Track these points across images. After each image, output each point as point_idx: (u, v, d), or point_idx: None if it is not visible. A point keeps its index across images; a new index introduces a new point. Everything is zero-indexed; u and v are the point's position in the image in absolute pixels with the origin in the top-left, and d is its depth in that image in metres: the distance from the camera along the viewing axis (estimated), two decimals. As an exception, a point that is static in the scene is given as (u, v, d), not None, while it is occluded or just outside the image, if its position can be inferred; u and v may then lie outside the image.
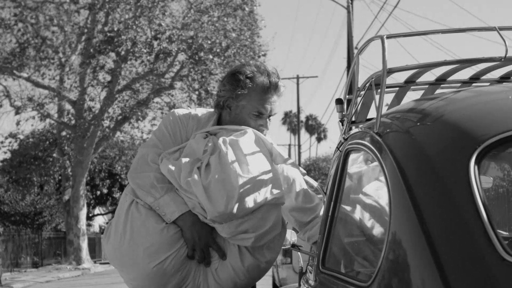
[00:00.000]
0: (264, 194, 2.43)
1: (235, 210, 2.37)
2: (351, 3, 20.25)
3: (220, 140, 2.51)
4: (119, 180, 31.02)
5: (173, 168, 2.46)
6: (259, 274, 2.56)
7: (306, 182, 2.68)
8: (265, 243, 2.49)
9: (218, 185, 2.40)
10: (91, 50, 20.75)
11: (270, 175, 2.49)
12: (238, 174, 2.40)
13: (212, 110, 2.75)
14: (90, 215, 35.50)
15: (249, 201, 2.39)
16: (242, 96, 2.61)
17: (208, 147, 2.51)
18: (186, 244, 2.45)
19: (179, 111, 2.71)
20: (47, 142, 25.43)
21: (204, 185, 2.40)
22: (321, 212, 2.58)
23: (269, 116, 2.69)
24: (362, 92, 2.26)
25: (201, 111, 2.73)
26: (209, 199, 2.39)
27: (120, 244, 2.47)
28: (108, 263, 23.24)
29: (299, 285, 2.62)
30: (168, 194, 2.47)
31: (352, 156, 2.14)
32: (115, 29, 20.28)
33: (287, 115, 66.90)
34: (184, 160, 2.47)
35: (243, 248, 2.47)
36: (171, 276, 2.44)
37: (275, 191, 2.46)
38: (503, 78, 2.37)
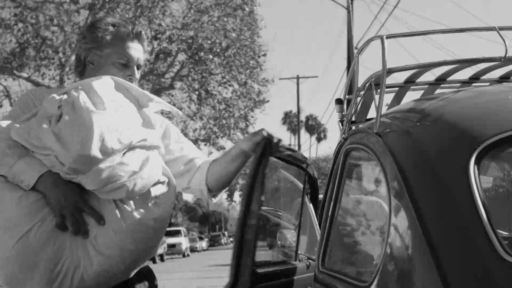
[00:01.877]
0: (130, 135, 2.16)
1: (94, 151, 2.06)
2: (351, 3, 20.23)
3: (72, 89, 2.25)
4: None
5: (22, 128, 2.18)
6: (148, 235, 2.18)
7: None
8: (149, 197, 2.18)
9: (70, 127, 2.10)
10: (91, 50, 20.72)
11: (138, 118, 2.27)
12: (92, 111, 2.12)
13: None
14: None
15: (111, 141, 2.10)
16: (106, 44, 2.39)
17: (62, 102, 2.20)
18: (53, 212, 2.08)
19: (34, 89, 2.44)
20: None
21: (55, 131, 2.10)
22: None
23: (137, 66, 2.46)
24: (362, 92, 2.26)
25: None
26: (62, 145, 2.08)
27: None
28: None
29: None
30: (23, 159, 2.13)
31: (352, 156, 2.14)
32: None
33: (287, 115, 66.89)
34: (35, 119, 2.21)
35: (121, 205, 2.13)
36: (39, 252, 2.03)
37: (145, 133, 2.22)
38: (503, 78, 2.37)
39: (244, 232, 1.83)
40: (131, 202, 2.15)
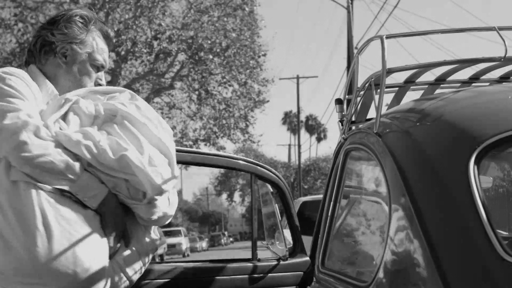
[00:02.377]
0: (175, 167, 2.17)
1: (169, 185, 2.08)
2: (351, 3, 20.23)
3: (121, 105, 2.14)
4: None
5: (87, 141, 2.02)
6: (153, 252, 2.22)
7: None
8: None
9: (157, 158, 2.08)
10: (91, 50, 20.74)
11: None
12: (167, 140, 2.14)
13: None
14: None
15: (175, 171, 2.14)
16: (89, 42, 2.24)
17: (97, 113, 2.11)
18: (107, 233, 2.02)
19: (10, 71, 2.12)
20: (47, 142, 25.43)
21: (143, 161, 2.03)
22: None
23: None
24: (362, 92, 2.26)
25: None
26: (146, 175, 2.02)
27: (39, 250, 1.88)
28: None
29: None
30: (85, 172, 2.00)
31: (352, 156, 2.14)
32: (115, 29, 20.29)
33: (287, 115, 66.87)
34: (94, 130, 2.07)
35: (146, 229, 2.15)
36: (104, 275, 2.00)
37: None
38: (503, 78, 2.37)
39: None
40: (153, 227, 2.19)
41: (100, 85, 2.29)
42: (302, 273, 2.69)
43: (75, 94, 2.18)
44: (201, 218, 76.60)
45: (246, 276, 2.66)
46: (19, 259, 1.87)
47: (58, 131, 2.03)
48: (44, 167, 1.94)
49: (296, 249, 2.78)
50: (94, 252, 1.95)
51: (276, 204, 2.84)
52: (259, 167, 2.79)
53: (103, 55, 2.30)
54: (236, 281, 2.66)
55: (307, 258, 2.71)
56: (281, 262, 2.72)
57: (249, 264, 2.69)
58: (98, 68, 2.29)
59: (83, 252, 1.93)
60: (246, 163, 2.76)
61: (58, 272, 1.89)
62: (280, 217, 2.80)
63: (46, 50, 2.22)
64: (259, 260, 2.72)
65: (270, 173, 2.81)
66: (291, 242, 2.81)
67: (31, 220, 1.89)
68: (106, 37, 2.32)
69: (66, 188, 1.95)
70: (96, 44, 2.27)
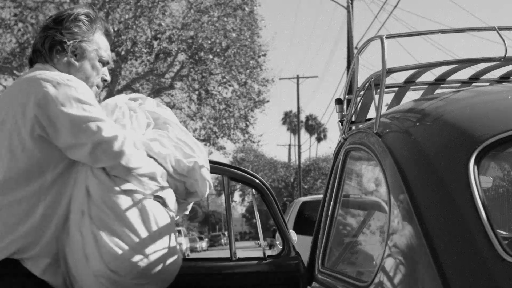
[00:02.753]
0: None
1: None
2: (351, 3, 20.23)
3: (161, 111, 2.44)
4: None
5: (167, 151, 2.27)
6: None
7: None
8: None
9: (206, 160, 2.39)
10: (91, 50, 20.74)
11: None
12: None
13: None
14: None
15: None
16: (95, 39, 2.32)
17: (149, 119, 2.38)
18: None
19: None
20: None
21: (201, 163, 2.35)
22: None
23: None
24: (362, 92, 2.26)
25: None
26: (208, 176, 2.37)
27: (148, 252, 2.08)
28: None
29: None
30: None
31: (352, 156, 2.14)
32: (115, 29, 20.29)
33: (287, 115, 66.86)
34: (163, 138, 2.32)
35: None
36: None
37: None
38: (503, 78, 2.37)
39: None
40: None
41: (105, 80, 2.39)
42: (286, 272, 2.72)
43: (116, 100, 2.35)
44: (201, 218, 76.56)
45: (220, 274, 2.72)
46: (131, 261, 2.05)
47: (143, 141, 2.24)
48: (149, 176, 2.16)
49: (284, 249, 2.79)
50: (177, 249, 2.20)
51: (256, 206, 2.87)
52: (232, 169, 2.84)
53: (107, 51, 2.38)
54: (209, 279, 2.70)
55: (297, 259, 2.72)
56: (259, 262, 2.74)
57: (225, 263, 2.72)
58: (104, 64, 2.37)
59: (175, 250, 2.18)
60: (217, 165, 2.81)
61: (164, 270, 2.12)
62: (259, 218, 2.83)
63: (58, 49, 2.27)
64: (237, 260, 2.74)
65: (246, 175, 2.83)
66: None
67: (139, 225, 2.09)
68: (107, 34, 2.40)
69: (162, 194, 2.20)
70: (101, 41, 2.35)
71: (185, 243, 35.97)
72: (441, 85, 2.42)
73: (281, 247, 2.81)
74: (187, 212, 2.48)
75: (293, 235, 2.84)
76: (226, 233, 66.39)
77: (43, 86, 2.07)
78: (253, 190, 2.86)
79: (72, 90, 2.09)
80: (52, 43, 2.27)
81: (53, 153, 2.08)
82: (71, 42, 2.27)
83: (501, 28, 2.10)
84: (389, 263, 1.58)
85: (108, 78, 2.39)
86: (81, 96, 2.10)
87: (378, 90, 1.97)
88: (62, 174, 2.10)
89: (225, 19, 20.89)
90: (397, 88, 2.41)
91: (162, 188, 2.20)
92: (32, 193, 2.05)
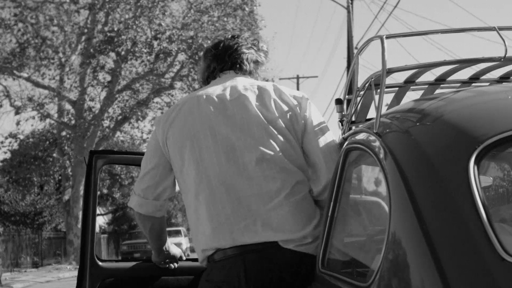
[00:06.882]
0: None
1: None
2: (351, 3, 20.24)
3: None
4: (119, 180, 31.03)
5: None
6: None
7: None
8: None
9: None
10: (91, 50, 20.76)
11: None
12: None
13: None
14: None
15: None
16: None
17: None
18: None
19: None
20: (47, 142, 25.45)
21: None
22: None
23: None
24: (362, 92, 2.26)
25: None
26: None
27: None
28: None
29: None
30: None
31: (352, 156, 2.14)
32: (115, 29, 20.30)
33: (287, 115, 66.76)
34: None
35: None
36: None
37: None
38: (503, 78, 2.37)
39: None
40: None
41: None
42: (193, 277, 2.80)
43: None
44: (201, 218, 76.27)
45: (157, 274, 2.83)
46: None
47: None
48: None
49: None
50: None
51: None
52: None
53: None
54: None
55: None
56: (175, 264, 2.83)
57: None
58: None
59: None
60: None
61: None
62: None
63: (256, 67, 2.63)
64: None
65: None
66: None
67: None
68: None
69: None
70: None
71: (185, 243, 35.93)
72: (441, 85, 2.42)
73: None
74: None
75: None
76: (226, 233, 66.11)
77: None
78: None
79: None
80: (256, 61, 2.69)
81: None
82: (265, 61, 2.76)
83: (501, 28, 2.10)
84: (389, 263, 1.58)
85: None
86: None
87: (378, 90, 1.97)
88: None
89: (225, 19, 20.90)
90: (397, 88, 2.41)
91: None
92: None
